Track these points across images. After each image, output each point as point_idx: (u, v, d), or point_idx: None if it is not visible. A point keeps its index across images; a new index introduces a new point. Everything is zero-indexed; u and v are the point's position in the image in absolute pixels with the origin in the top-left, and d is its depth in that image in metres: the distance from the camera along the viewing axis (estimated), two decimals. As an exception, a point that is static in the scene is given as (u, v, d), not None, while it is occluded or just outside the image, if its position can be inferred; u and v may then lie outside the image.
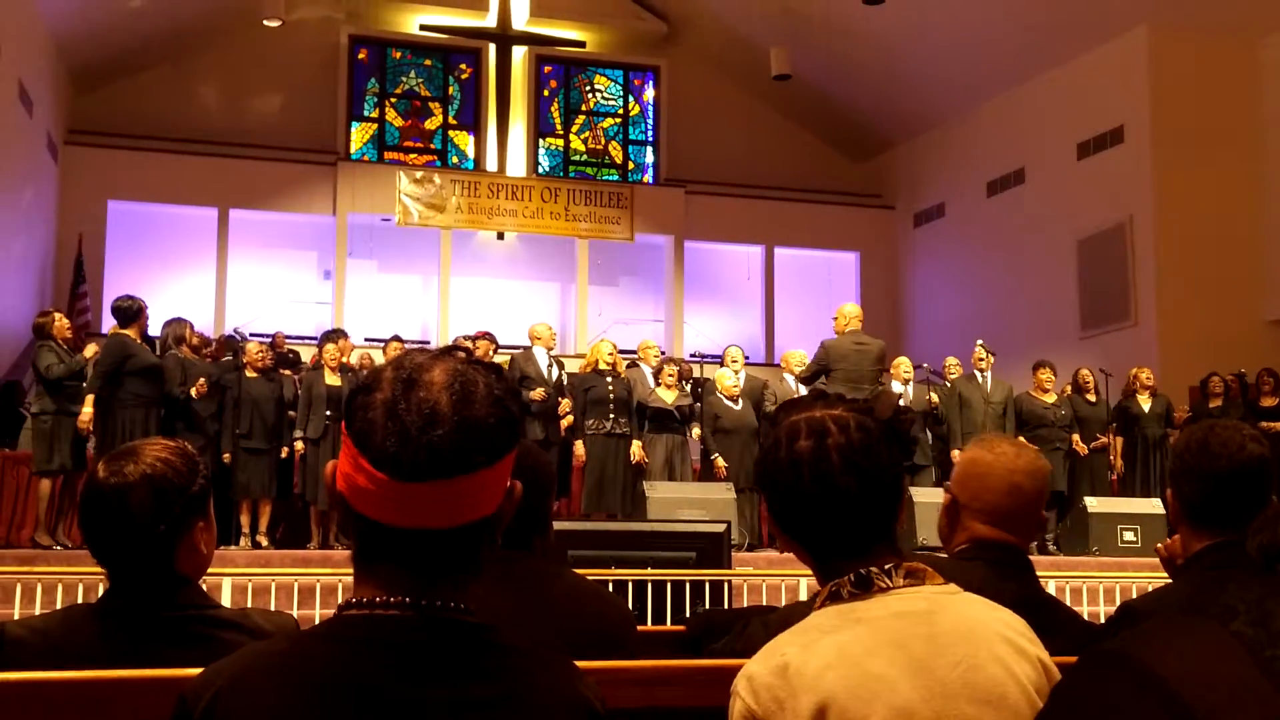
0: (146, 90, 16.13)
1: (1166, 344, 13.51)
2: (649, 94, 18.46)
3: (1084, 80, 14.84)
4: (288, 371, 10.37)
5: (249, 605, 5.55)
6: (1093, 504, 9.77)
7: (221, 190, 15.89)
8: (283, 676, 1.20)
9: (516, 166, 17.37)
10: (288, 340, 12.58)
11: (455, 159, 17.59)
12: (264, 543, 9.14)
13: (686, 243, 17.62)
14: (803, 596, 6.44)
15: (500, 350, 10.87)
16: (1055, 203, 15.30)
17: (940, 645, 1.47)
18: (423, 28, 17.18)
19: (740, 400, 10.03)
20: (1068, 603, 3.36)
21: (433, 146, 17.62)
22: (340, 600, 1.29)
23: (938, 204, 17.77)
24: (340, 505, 1.27)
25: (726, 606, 6.22)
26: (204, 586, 2.03)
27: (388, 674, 1.20)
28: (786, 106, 18.18)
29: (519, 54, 17.57)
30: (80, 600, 5.12)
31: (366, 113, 17.43)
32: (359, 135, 17.34)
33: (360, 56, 17.38)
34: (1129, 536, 9.52)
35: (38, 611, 5.37)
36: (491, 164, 17.23)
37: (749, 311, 18.20)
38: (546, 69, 18.05)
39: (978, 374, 10.61)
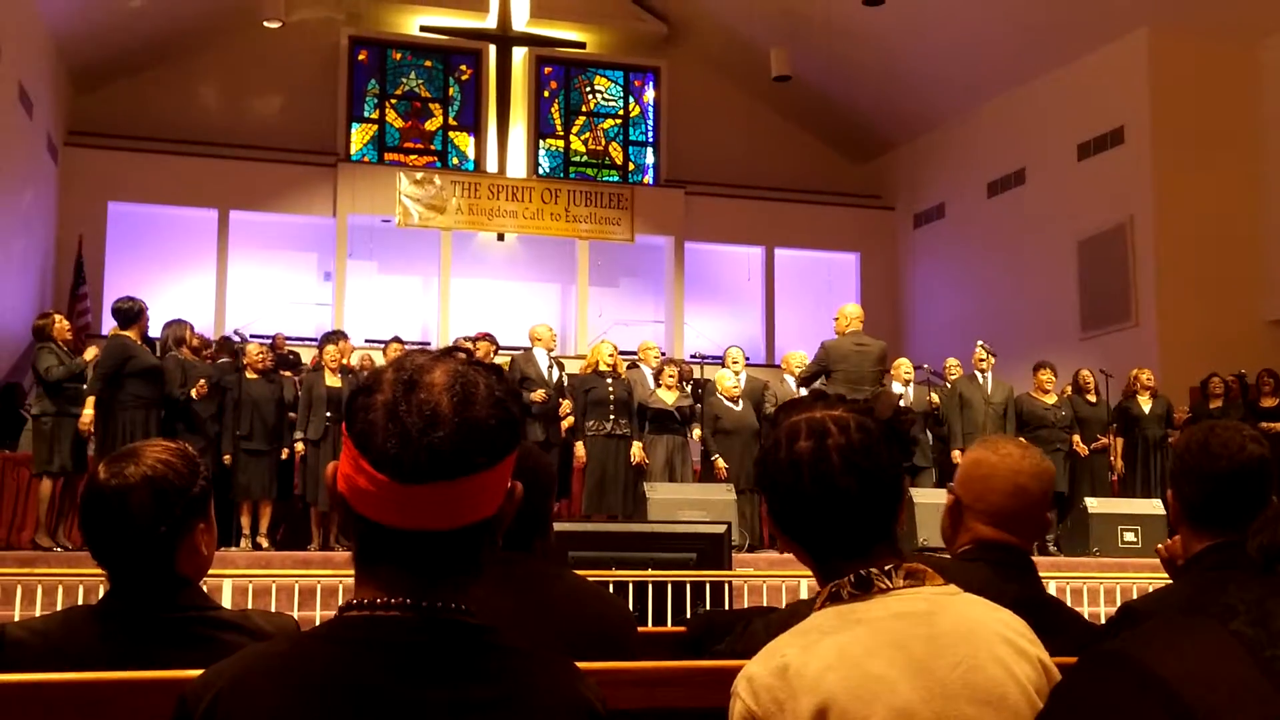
0: (147, 91, 16.13)
1: (1167, 345, 13.51)
2: (649, 95, 18.46)
3: (1084, 81, 14.85)
4: (288, 373, 10.37)
5: (249, 607, 5.55)
6: (1093, 505, 9.77)
7: (222, 191, 15.89)
8: (283, 678, 1.21)
9: (517, 167, 17.37)
10: (288, 341, 12.59)
11: (455, 160, 17.59)
12: (264, 544, 9.14)
13: (687, 244, 17.62)
14: (803, 597, 6.44)
15: (500, 351, 10.87)
16: (1056, 203, 15.30)
17: (940, 646, 1.47)
18: (423, 29, 17.19)
19: (741, 401, 10.03)
20: (1068, 603, 3.36)
21: (433, 148, 17.63)
22: (341, 602, 1.28)
23: (938, 205, 17.77)
24: (341, 506, 1.27)
25: (727, 608, 6.22)
26: (204, 588, 2.03)
27: (388, 675, 1.20)
28: (787, 107, 18.19)
29: (519, 55, 17.57)
30: (81, 602, 5.12)
31: (367, 114, 17.43)
32: (359, 136, 17.34)
33: (360, 58, 17.38)
34: (1129, 537, 9.53)
35: (38, 613, 5.37)
36: (492, 165, 17.23)
37: (749, 312, 18.20)
38: (547, 70, 18.05)
39: (978, 374, 10.61)
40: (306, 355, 11.99)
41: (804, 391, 9.29)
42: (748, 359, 11.43)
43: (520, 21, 17.24)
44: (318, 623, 1.34)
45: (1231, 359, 11.74)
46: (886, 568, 1.54)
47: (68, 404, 8.46)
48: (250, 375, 9.38)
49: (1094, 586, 7.43)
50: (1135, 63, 14.18)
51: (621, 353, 10.62)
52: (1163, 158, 13.94)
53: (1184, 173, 13.81)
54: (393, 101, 17.53)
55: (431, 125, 17.67)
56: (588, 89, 18.31)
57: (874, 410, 1.59)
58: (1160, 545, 2.56)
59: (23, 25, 13.17)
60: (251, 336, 10.82)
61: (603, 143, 18.32)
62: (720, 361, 11.09)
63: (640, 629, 2.67)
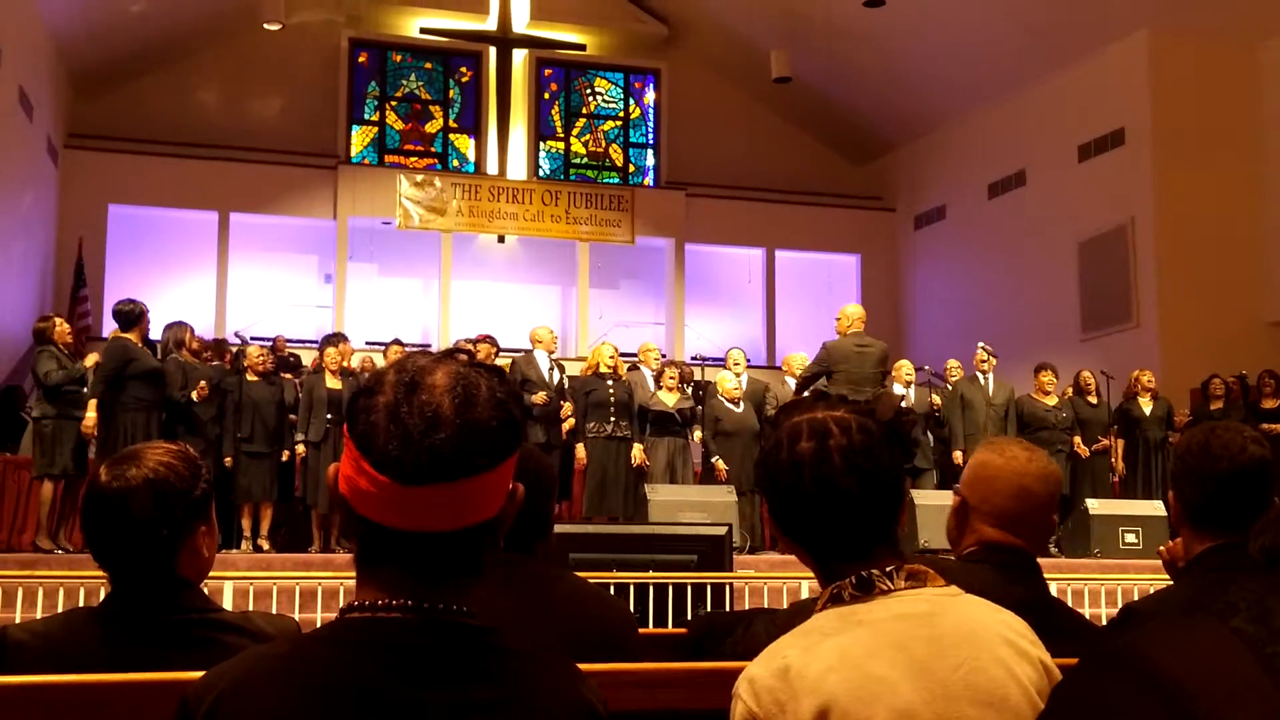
0: (147, 94, 16.14)
1: (1167, 346, 13.51)
2: (649, 97, 18.47)
3: (1085, 82, 14.85)
4: (288, 375, 10.37)
5: (250, 609, 5.55)
6: (1094, 506, 9.76)
7: (222, 194, 15.90)
8: (284, 679, 1.21)
9: (517, 169, 17.38)
10: (288, 344, 12.59)
11: (456, 162, 17.60)
12: (265, 546, 9.14)
13: (687, 245, 17.62)
14: (804, 598, 6.44)
15: (501, 353, 10.87)
16: (1056, 205, 15.30)
17: (942, 647, 1.46)
18: (423, 31, 17.20)
19: (742, 403, 10.03)
20: (1069, 605, 3.35)
21: (433, 150, 17.64)
22: (342, 604, 1.28)
23: (938, 206, 17.77)
24: (342, 508, 1.27)
25: (728, 609, 6.22)
26: (205, 590, 2.03)
27: (389, 677, 1.20)
28: (787, 109, 18.19)
29: (519, 57, 17.59)
30: (82, 604, 5.12)
31: (367, 116, 17.44)
32: (359, 138, 17.35)
33: (360, 60, 17.39)
34: (1130, 538, 9.52)
35: (39, 616, 5.37)
36: (492, 167, 17.24)
37: (750, 314, 18.21)
38: (547, 72, 18.06)
39: (979, 376, 10.61)
40: (307, 357, 12.00)
41: (806, 393, 9.29)
42: (748, 361, 11.42)
43: (520, 23, 17.25)
44: (319, 625, 1.34)
45: (1232, 360, 11.74)
46: (888, 569, 1.53)
47: (68, 407, 8.46)
48: (251, 377, 9.38)
49: (1095, 588, 7.42)
50: (1136, 64, 14.19)
51: (622, 354, 10.62)
52: (1163, 159, 13.94)
53: (1184, 174, 13.81)
54: (393, 104, 17.54)
55: (432, 127, 17.68)
56: (588, 91, 18.32)
57: (875, 411, 1.59)
58: (1162, 547, 2.56)
59: (23, 28, 13.18)
60: (252, 339, 10.82)
61: (603, 144, 18.33)
62: (721, 363, 11.08)
63: (641, 630, 2.67)
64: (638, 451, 9.68)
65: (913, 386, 10.63)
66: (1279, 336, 13.45)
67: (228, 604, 5.90)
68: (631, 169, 18.37)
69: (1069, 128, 15.09)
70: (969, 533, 2.31)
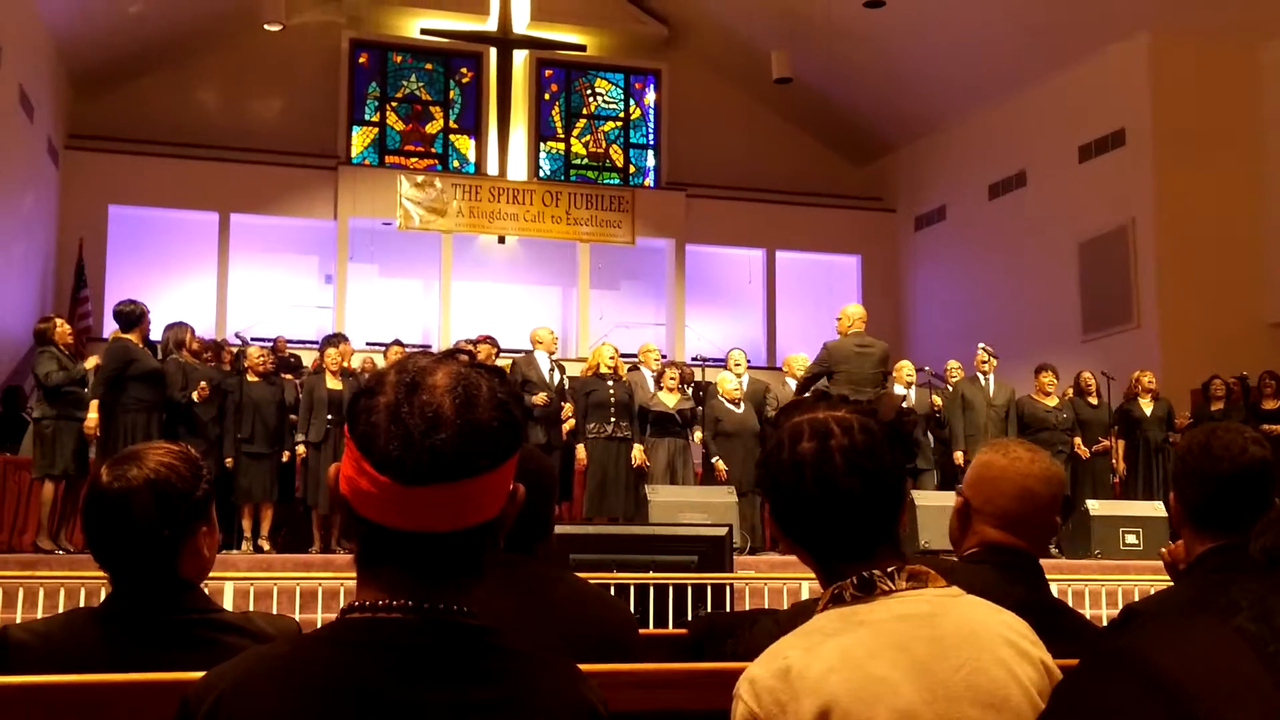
0: (147, 95, 16.15)
1: (1168, 347, 13.51)
2: (650, 97, 18.48)
3: (1085, 83, 14.85)
4: (289, 376, 10.38)
5: (251, 609, 5.55)
6: (1094, 507, 9.76)
7: (222, 194, 15.90)
8: (285, 679, 1.21)
9: (517, 170, 17.38)
10: (289, 344, 12.60)
11: (456, 163, 17.60)
12: (265, 547, 9.14)
13: (688, 246, 17.63)
14: (804, 599, 6.44)
15: (502, 354, 10.87)
16: (1056, 205, 15.30)
17: (943, 648, 1.46)
18: (423, 32, 17.20)
19: (742, 404, 10.03)
20: (1069, 606, 3.35)
21: (433, 150, 17.64)
22: (342, 604, 1.28)
23: (939, 207, 17.78)
24: (343, 508, 1.27)
25: (728, 610, 6.22)
26: (206, 591, 2.03)
27: (390, 677, 1.20)
28: (787, 110, 18.19)
29: (520, 58, 17.59)
30: (82, 605, 5.11)
31: (367, 117, 17.44)
32: (360, 139, 17.35)
33: (361, 60, 17.40)
34: (1131, 539, 9.52)
35: (40, 616, 5.37)
36: (492, 168, 17.24)
37: (750, 315, 18.21)
38: (547, 73, 18.07)
39: (980, 376, 10.61)
40: (307, 358, 12.00)
41: (807, 394, 9.29)
42: (749, 361, 11.42)
43: (521, 24, 17.25)
44: (319, 625, 1.34)
45: (1233, 361, 11.74)
46: (889, 569, 1.53)
47: (69, 407, 8.46)
48: (251, 378, 9.38)
49: (1095, 589, 7.42)
50: (1136, 65, 14.19)
51: (622, 355, 10.62)
52: (1164, 160, 13.94)
53: (1185, 175, 13.81)
54: (393, 104, 17.55)
55: (432, 128, 17.68)
56: (588, 91, 18.32)
57: (877, 412, 1.59)
58: (1163, 550, 2.56)
59: (23, 28, 13.18)
60: (253, 339, 10.82)
61: (603, 145, 18.33)
62: (721, 364, 11.08)
63: (641, 631, 2.67)
64: (638, 452, 9.68)
65: (913, 387, 10.63)
66: (1279, 337, 13.45)
67: (228, 604, 5.90)
68: (632, 170, 18.37)
69: (1069, 128, 15.09)
70: (971, 533, 2.31)
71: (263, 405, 9.32)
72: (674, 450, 9.90)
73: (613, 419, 9.67)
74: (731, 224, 17.74)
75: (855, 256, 18.48)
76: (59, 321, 8.93)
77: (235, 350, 10.16)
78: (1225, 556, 2.23)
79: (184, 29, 15.53)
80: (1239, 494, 2.26)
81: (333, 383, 9.54)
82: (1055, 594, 2.55)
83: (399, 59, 17.60)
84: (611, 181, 17.98)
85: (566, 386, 9.97)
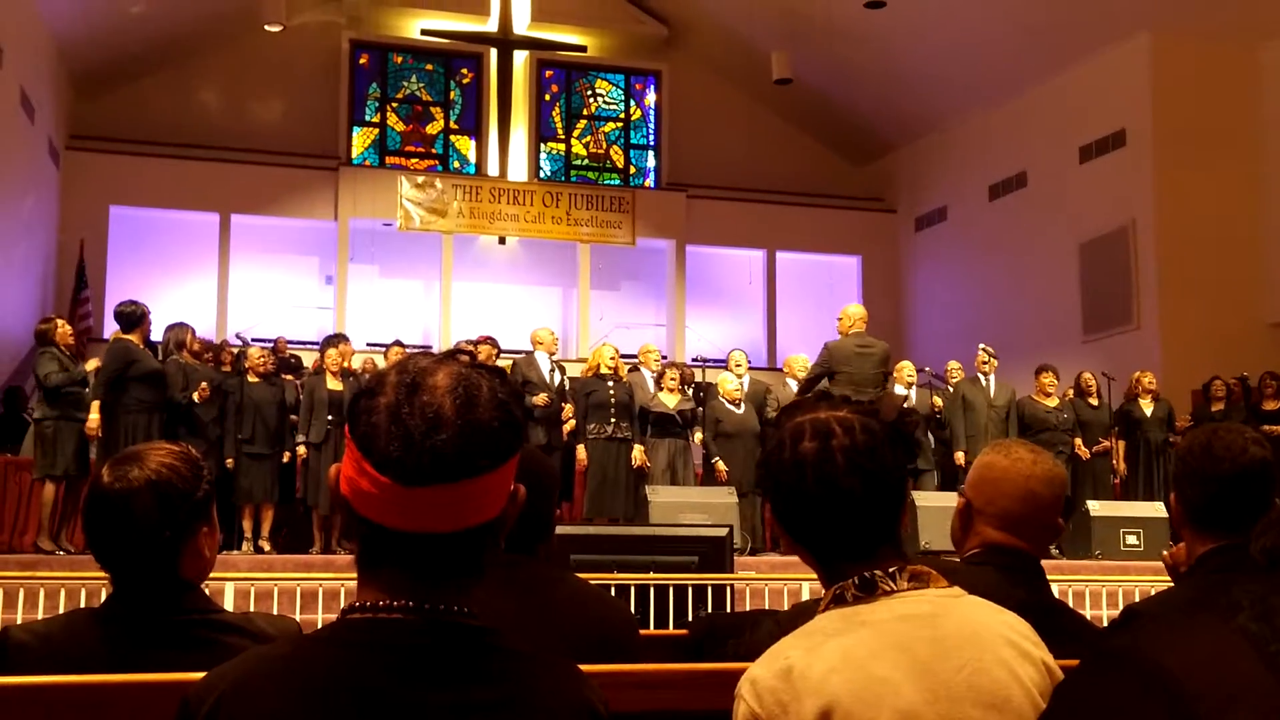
0: (148, 95, 16.15)
1: (1169, 347, 13.50)
2: (650, 98, 18.48)
3: (1086, 84, 14.85)
4: (289, 376, 10.37)
5: (251, 610, 5.55)
6: (1095, 508, 9.76)
7: (223, 195, 15.90)
8: (285, 680, 1.20)
9: (518, 171, 17.38)
10: (289, 345, 12.60)
11: (457, 164, 17.61)
12: (266, 547, 9.14)
13: (688, 247, 17.63)
14: (804, 599, 6.44)
15: (502, 355, 10.87)
16: (1057, 206, 15.30)
17: (944, 648, 1.46)
18: (424, 32, 17.20)
19: (743, 404, 10.02)
20: (1070, 607, 3.35)
21: (434, 151, 17.64)
22: (342, 605, 1.28)
23: (939, 207, 17.78)
24: (344, 509, 1.27)
25: (729, 611, 6.22)
26: (206, 591, 2.03)
27: (390, 677, 1.20)
28: (788, 110, 18.20)
29: (520, 58, 17.59)
30: (83, 605, 5.12)
31: (368, 117, 17.45)
32: (360, 140, 17.36)
33: (361, 61, 17.40)
34: (1131, 540, 9.52)
35: (40, 617, 5.37)
36: (493, 169, 17.24)
37: (750, 315, 18.21)
38: (548, 73, 18.07)
39: (981, 377, 10.61)
40: (308, 359, 12.00)
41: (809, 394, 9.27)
42: (749, 362, 11.42)
43: (521, 25, 17.25)
44: (320, 626, 1.34)
45: (1233, 361, 11.73)
46: (891, 570, 1.53)
47: (69, 408, 8.46)
48: (252, 379, 9.39)
49: (1096, 590, 7.42)
50: (1136, 65, 14.19)
51: (623, 356, 10.62)
52: (1164, 160, 13.94)
53: (1185, 175, 13.81)
54: (394, 105, 17.55)
55: (433, 129, 17.69)
56: (589, 92, 18.33)
57: (879, 412, 1.59)
58: (1165, 552, 2.56)
59: (24, 29, 13.19)
60: (253, 340, 10.82)
61: (604, 146, 18.34)
62: (722, 365, 11.08)
63: (642, 632, 2.67)
64: (638, 453, 9.67)
65: (914, 388, 10.63)
66: (1279, 338, 13.45)
67: (229, 605, 5.91)
68: (632, 170, 18.38)
69: (1070, 129, 15.09)
70: (973, 534, 2.31)
71: (263, 406, 9.32)
72: (674, 451, 9.90)
73: (613, 420, 9.67)
74: (732, 225, 17.74)
75: (856, 257, 18.48)
76: (60, 322, 8.94)
77: (236, 351, 10.16)
78: (1226, 557, 2.23)
79: (185, 30, 15.54)
80: (1240, 495, 2.26)
81: (333, 383, 9.54)
82: (1056, 595, 2.55)
83: (399, 60, 17.61)
84: (612, 182, 17.98)
85: (567, 387, 9.97)
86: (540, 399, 9.45)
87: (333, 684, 1.19)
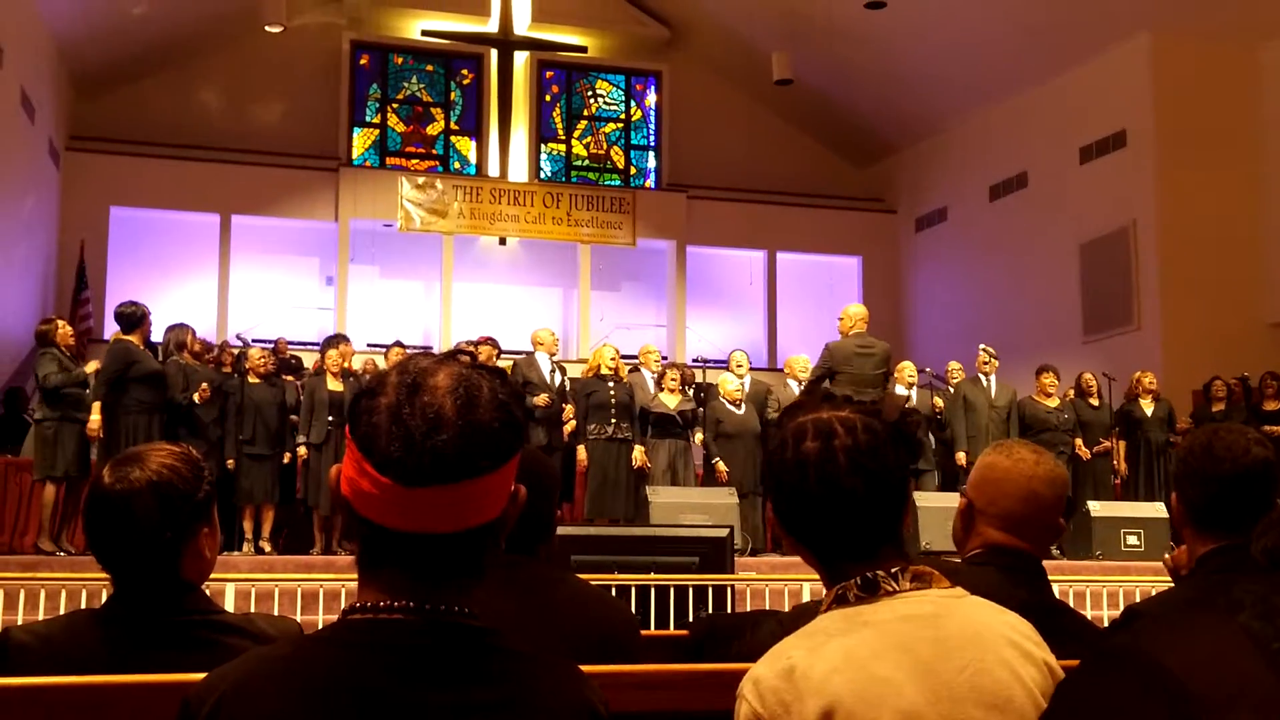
0: (148, 96, 16.16)
1: (1169, 348, 13.50)
2: (651, 99, 18.48)
3: (1086, 84, 14.85)
4: (290, 377, 10.38)
5: (252, 611, 5.55)
6: (1096, 508, 9.76)
7: (223, 196, 15.91)
8: (286, 681, 1.20)
9: (518, 172, 17.38)
10: (290, 346, 12.60)
11: (457, 164, 17.61)
12: (267, 548, 9.14)
13: (689, 248, 17.63)
14: (805, 600, 6.44)
15: (503, 355, 10.87)
16: (1058, 207, 15.30)
17: (947, 649, 1.46)
18: (424, 33, 17.21)
19: (743, 405, 10.02)
20: (1072, 607, 3.35)
21: (434, 152, 17.64)
22: (343, 606, 1.28)
23: (940, 208, 17.78)
24: (344, 509, 1.27)
25: (729, 611, 6.21)
26: (207, 592, 2.03)
27: (391, 678, 1.20)
28: (788, 111, 18.20)
29: (521, 59, 17.59)
30: (83, 606, 5.12)
31: (368, 118, 17.45)
32: (361, 141, 17.36)
33: (362, 62, 17.40)
34: (1132, 541, 9.51)
35: (41, 618, 5.36)
36: (493, 169, 17.25)
37: (751, 316, 18.21)
38: (548, 74, 18.07)
39: (982, 378, 10.61)
40: (308, 359, 12.01)
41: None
42: (750, 363, 11.41)
43: (522, 26, 17.26)
44: (321, 627, 1.34)
45: (1234, 362, 11.73)
46: (893, 570, 1.53)
47: (70, 409, 8.47)
48: (252, 380, 9.39)
49: (1096, 590, 7.42)
50: (1137, 66, 14.19)
51: (624, 357, 10.62)
52: (1165, 161, 13.94)
53: (1186, 176, 13.81)
54: (394, 106, 17.55)
55: (433, 129, 17.69)
56: (589, 93, 18.33)
57: (881, 412, 1.59)
58: (1167, 555, 2.56)
59: (25, 30, 13.19)
60: (254, 341, 10.82)
61: (604, 147, 18.34)
62: (723, 365, 11.08)
63: (643, 633, 2.67)
64: (639, 454, 9.67)
65: (914, 389, 10.63)
66: (1280, 338, 13.45)
67: (230, 606, 5.90)
68: (633, 171, 18.38)
69: (1070, 129, 15.09)
70: (974, 535, 2.31)
71: (264, 407, 9.32)
72: (675, 451, 9.90)
73: (613, 420, 9.67)
74: (732, 225, 17.75)
75: (856, 258, 18.48)
76: (61, 323, 8.94)
77: (236, 352, 10.16)
78: (1227, 557, 2.23)
79: (185, 30, 15.54)
80: (1241, 495, 2.25)
81: (334, 384, 9.54)
82: (1057, 595, 2.55)
83: (400, 60, 17.61)
84: (612, 183, 17.98)
85: (567, 388, 9.97)
86: (541, 400, 9.45)
87: (333, 684, 1.19)
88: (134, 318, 8.75)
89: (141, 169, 15.53)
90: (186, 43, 15.85)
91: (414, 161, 17.41)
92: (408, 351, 10.44)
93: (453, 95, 17.74)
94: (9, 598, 6.09)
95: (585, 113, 18.29)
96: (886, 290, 18.13)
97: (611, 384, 9.82)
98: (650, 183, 18.28)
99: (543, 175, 17.79)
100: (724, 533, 6.80)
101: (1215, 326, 13.32)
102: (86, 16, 14.26)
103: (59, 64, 14.83)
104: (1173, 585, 2.49)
